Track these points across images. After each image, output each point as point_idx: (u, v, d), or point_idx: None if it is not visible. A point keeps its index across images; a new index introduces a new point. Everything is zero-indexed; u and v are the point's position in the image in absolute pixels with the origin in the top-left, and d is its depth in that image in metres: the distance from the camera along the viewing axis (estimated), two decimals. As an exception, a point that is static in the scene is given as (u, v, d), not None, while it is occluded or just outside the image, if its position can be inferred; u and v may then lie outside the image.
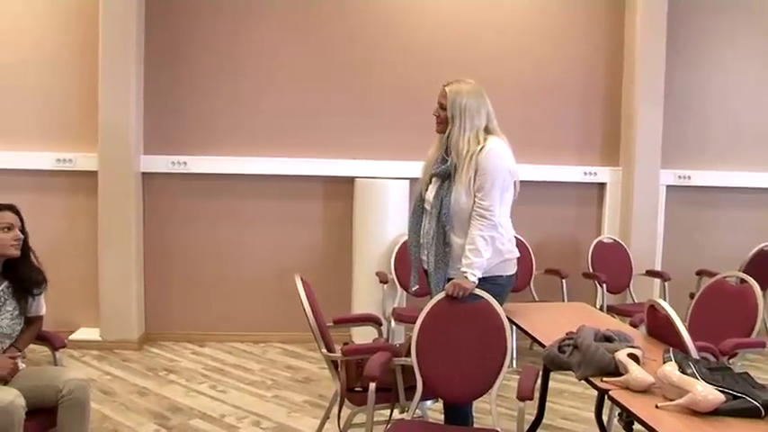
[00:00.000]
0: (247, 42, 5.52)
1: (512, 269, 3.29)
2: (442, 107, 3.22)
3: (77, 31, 5.34)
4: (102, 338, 5.33)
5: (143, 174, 5.46)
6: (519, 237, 5.50)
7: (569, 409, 4.27)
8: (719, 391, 2.16)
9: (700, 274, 5.47)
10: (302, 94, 5.59)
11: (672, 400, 2.21)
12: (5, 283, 2.95)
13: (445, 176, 3.19)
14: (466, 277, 3.06)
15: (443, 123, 3.23)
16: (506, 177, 3.16)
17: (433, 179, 3.25)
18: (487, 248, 3.11)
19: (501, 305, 3.05)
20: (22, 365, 2.93)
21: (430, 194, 3.24)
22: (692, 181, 5.95)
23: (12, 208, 2.98)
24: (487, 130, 3.20)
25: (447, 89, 3.21)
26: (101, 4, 5.16)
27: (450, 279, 3.13)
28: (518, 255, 3.33)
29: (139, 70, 5.36)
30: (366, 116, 5.63)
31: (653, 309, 2.99)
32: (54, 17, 5.37)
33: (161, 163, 5.46)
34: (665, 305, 2.86)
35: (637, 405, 2.26)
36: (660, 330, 2.94)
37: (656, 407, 2.21)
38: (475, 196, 3.11)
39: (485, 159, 3.11)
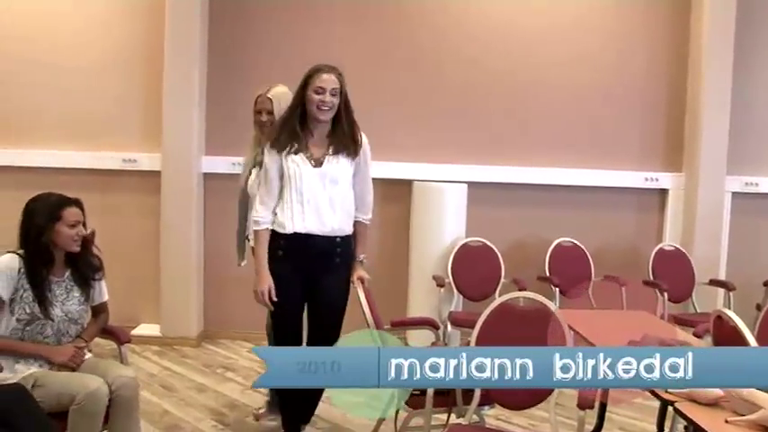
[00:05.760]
0: (311, 44, 5.54)
1: None
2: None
3: (143, 35, 5.47)
4: (162, 334, 5.44)
5: (204, 174, 5.57)
6: (576, 242, 5.50)
7: (627, 420, 4.18)
8: (793, 407, 2.09)
9: (767, 284, 5.30)
10: (363, 98, 5.55)
11: (742, 416, 2.15)
12: (69, 271, 3.00)
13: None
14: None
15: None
16: None
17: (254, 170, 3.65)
18: None
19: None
20: (88, 356, 3.01)
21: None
22: (760, 188, 5.77)
23: (78, 203, 2.99)
24: None
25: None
26: (167, 7, 5.28)
27: None
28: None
29: (202, 72, 5.47)
30: (425, 119, 5.62)
31: (719, 319, 2.90)
32: (120, 21, 5.51)
33: (222, 164, 5.54)
34: (733, 315, 2.78)
35: (704, 418, 2.19)
36: (727, 342, 2.86)
37: (726, 421, 2.14)
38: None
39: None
